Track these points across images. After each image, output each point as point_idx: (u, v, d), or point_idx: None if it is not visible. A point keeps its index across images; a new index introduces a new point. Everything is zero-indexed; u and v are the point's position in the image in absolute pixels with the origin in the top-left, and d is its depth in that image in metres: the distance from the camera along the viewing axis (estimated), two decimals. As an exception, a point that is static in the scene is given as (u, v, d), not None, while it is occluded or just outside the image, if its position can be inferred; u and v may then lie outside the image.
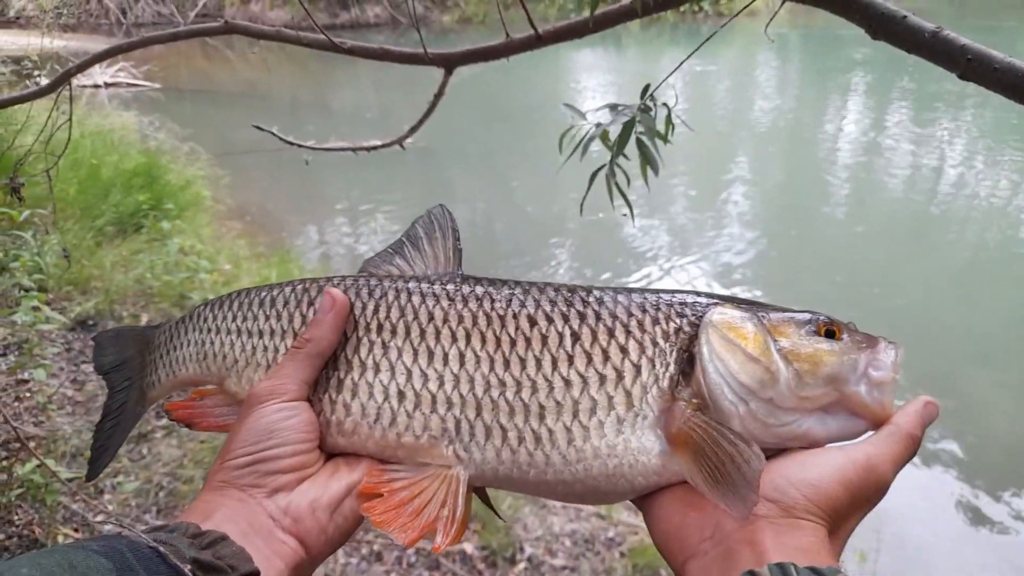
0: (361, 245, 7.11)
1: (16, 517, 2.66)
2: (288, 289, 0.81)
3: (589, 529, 2.86)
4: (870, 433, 0.67)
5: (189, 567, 0.55)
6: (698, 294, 0.75)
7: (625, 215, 1.48)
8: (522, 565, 2.65)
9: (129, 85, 12.59)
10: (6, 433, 2.95)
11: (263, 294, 0.82)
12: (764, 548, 0.58)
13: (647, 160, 1.41)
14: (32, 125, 5.54)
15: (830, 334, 0.69)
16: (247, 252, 5.50)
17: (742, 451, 0.61)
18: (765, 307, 0.72)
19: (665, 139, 1.42)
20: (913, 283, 6.48)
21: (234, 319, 0.82)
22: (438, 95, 1.63)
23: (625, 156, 1.45)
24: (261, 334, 0.79)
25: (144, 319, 4.29)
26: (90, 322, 4.23)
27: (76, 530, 2.68)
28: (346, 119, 11.35)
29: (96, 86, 11.90)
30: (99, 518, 2.70)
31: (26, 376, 3.29)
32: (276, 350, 0.78)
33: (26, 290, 3.57)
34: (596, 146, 1.51)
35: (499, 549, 2.68)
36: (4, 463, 2.82)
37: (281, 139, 1.94)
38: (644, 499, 0.69)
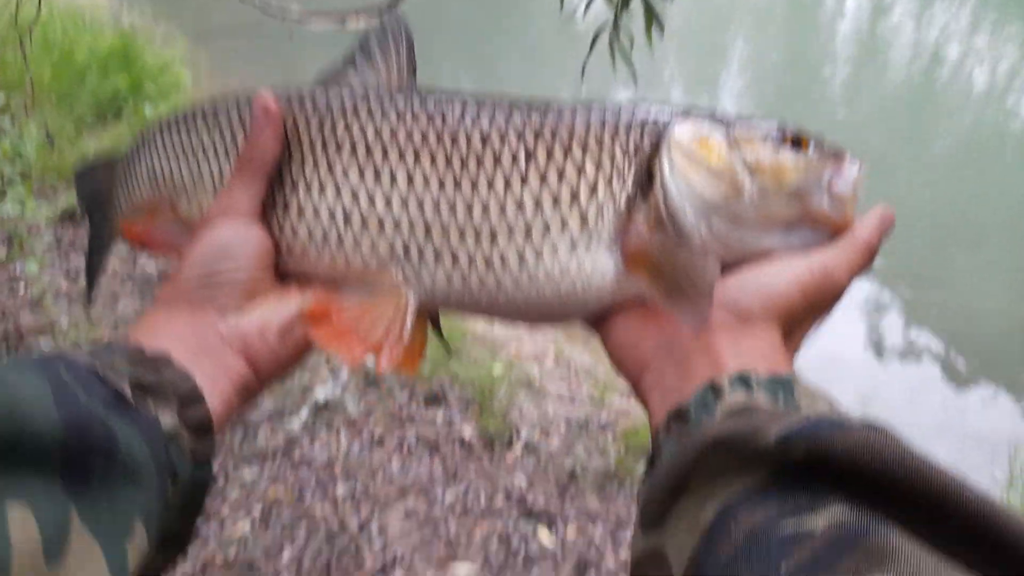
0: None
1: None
2: (231, 103, 0.76)
3: (584, 413, 2.95)
4: None
5: (127, 387, 0.53)
6: (658, 104, 0.70)
7: (633, 79, 1.44)
8: (519, 448, 2.75)
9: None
10: (5, 325, 2.97)
11: (205, 110, 0.77)
12: (719, 353, 0.58)
13: (651, 19, 1.35)
14: (-3, 4, 5.27)
15: (796, 144, 0.66)
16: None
17: (696, 262, 0.61)
18: (728, 117, 0.68)
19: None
20: (908, 167, 6.44)
21: (179, 138, 0.77)
22: None
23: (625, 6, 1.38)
24: (206, 153, 0.75)
25: (132, 210, 4.22)
26: (77, 215, 4.17)
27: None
28: (328, -5, 10.80)
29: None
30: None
31: (17, 271, 3.27)
32: (221, 171, 0.74)
33: (9, 181, 3.48)
34: (597, 7, 1.46)
35: (496, 434, 2.77)
36: (4, 355, 2.84)
37: (263, 10, 1.84)
38: (599, 319, 0.68)
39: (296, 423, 2.75)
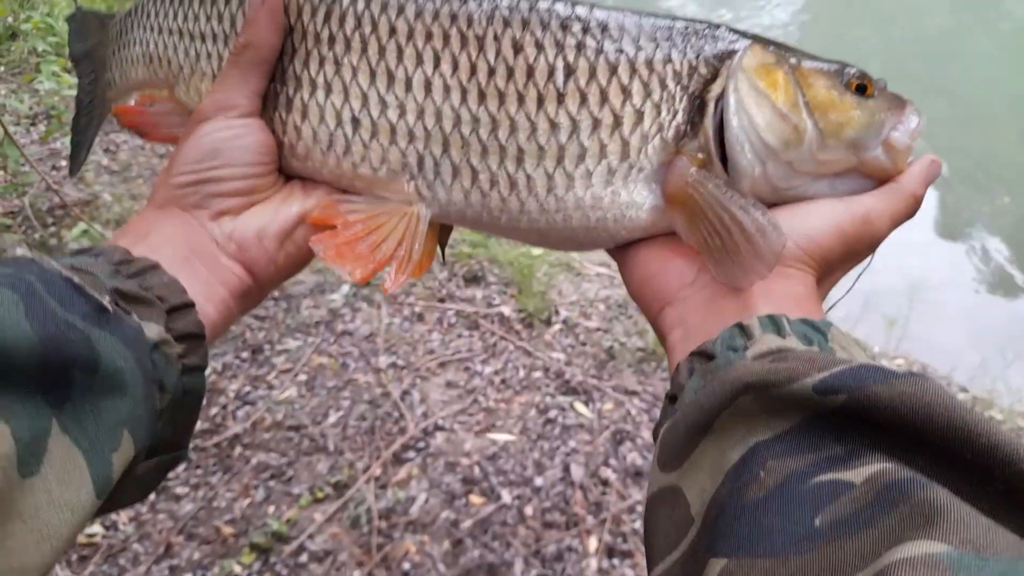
0: None
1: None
2: None
3: (623, 295, 2.94)
4: None
5: (108, 298, 0.49)
6: (721, 27, 0.63)
7: None
8: (557, 326, 2.77)
9: None
10: (50, 200, 3.01)
11: None
12: (750, 295, 0.55)
13: None
14: None
15: (861, 89, 0.61)
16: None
17: (757, 220, 0.55)
18: (793, 51, 0.63)
19: None
20: (968, 53, 6.12)
21: (175, 17, 0.72)
22: None
23: None
24: (203, 38, 0.70)
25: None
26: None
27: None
28: None
29: None
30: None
31: (58, 146, 3.28)
32: (221, 58, 0.69)
33: (42, 55, 3.45)
34: None
35: (535, 312, 2.78)
36: (52, 228, 2.90)
37: None
38: (621, 247, 0.65)
39: (338, 297, 2.79)
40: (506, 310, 2.79)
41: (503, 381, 2.52)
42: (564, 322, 2.79)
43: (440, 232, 0.68)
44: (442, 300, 2.82)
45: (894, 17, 6.66)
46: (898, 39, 6.34)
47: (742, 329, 0.52)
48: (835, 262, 0.59)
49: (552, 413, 2.41)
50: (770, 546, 0.37)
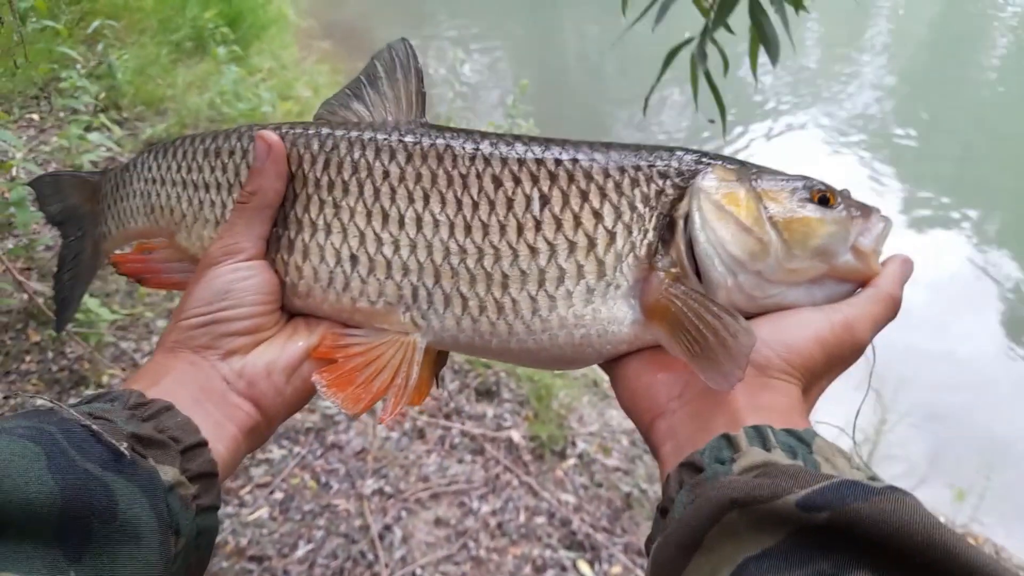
0: (464, 70, 6.68)
1: (69, 350, 2.64)
2: (234, 137, 0.75)
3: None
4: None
5: (126, 444, 0.52)
6: (683, 151, 0.69)
7: (712, 121, 1.07)
8: (572, 461, 2.47)
9: None
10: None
11: (207, 142, 0.76)
12: (737, 408, 0.57)
13: (762, 38, 0.96)
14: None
15: (823, 201, 0.65)
16: (328, 79, 5.18)
17: (728, 325, 0.58)
18: (755, 169, 0.68)
19: (800, 4, 0.95)
20: None
21: (179, 170, 0.76)
22: None
23: (728, 28, 1.00)
24: (207, 187, 0.74)
25: (215, 146, 4.12)
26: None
27: (124, 370, 2.65)
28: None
29: None
30: (112, 372, 2.66)
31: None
32: (224, 205, 0.73)
33: (75, 111, 3.40)
34: (683, 8, 1.05)
35: (549, 441, 2.49)
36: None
37: None
38: (611, 360, 0.67)
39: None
40: (516, 435, 2.51)
41: (500, 525, 2.22)
42: (580, 456, 2.48)
43: (437, 358, 0.70)
44: (448, 416, 2.56)
45: None
46: None
47: (729, 441, 0.53)
48: (819, 371, 0.61)
49: (550, 573, 2.10)
50: None
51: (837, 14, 8.17)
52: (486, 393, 2.66)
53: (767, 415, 0.56)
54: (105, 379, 2.53)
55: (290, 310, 0.71)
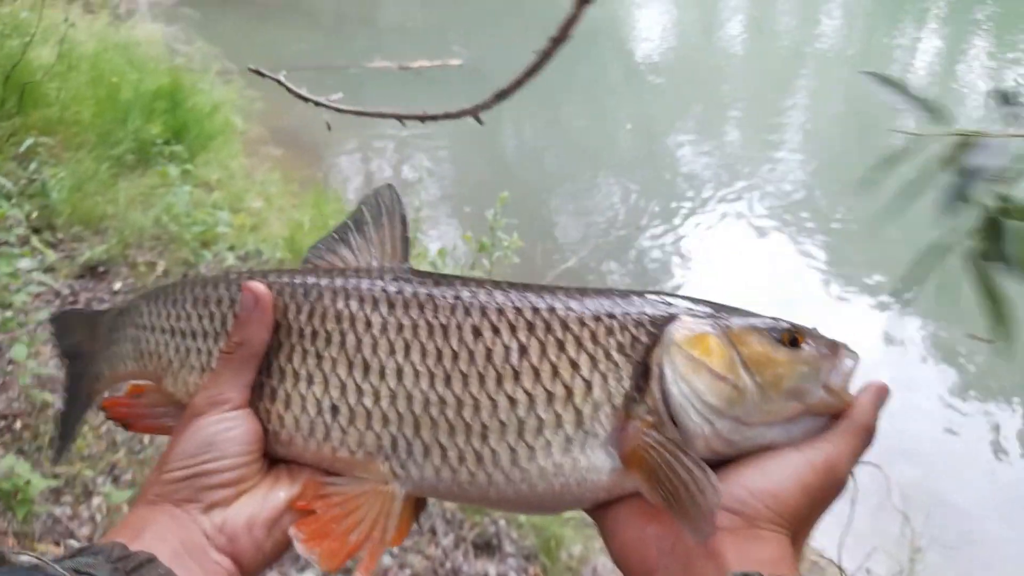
0: (408, 172, 6.61)
1: (-10, 524, 2.24)
2: (222, 286, 0.76)
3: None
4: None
5: None
6: (656, 296, 0.71)
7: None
8: (591, 624, 2.16)
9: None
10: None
11: (196, 291, 0.78)
12: (726, 562, 0.58)
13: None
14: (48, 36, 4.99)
15: (793, 342, 0.67)
16: (280, 188, 4.95)
17: (698, 480, 0.60)
18: (725, 311, 0.70)
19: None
20: None
21: (167, 317, 0.78)
22: (560, 36, 0.92)
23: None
24: (194, 335, 0.76)
25: (160, 266, 3.81)
26: (100, 268, 3.76)
27: (57, 543, 2.25)
28: (394, 33, 10.54)
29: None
30: (83, 530, 2.27)
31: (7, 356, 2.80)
32: (210, 352, 0.75)
33: (6, 243, 3.07)
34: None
35: (563, 602, 2.18)
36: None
37: (302, 96, 1.36)
38: (598, 509, 0.68)
39: (311, 569, 2.21)
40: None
41: None
42: (600, 619, 2.17)
43: (417, 501, 0.70)
44: (445, 579, 2.23)
45: None
46: None
47: None
48: (804, 516, 0.62)
49: None
50: None
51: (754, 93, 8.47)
52: (485, 546, 2.34)
53: (756, 567, 0.57)
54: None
55: (273, 457, 0.71)
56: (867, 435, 0.65)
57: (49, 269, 3.57)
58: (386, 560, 2.24)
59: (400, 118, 1.17)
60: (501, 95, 0.98)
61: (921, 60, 10.73)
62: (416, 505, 0.70)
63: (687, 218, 6.12)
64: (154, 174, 4.49)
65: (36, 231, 3.76)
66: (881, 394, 0.67)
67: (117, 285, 3.65)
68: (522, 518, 2.41)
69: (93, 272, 3.67)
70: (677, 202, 6.26)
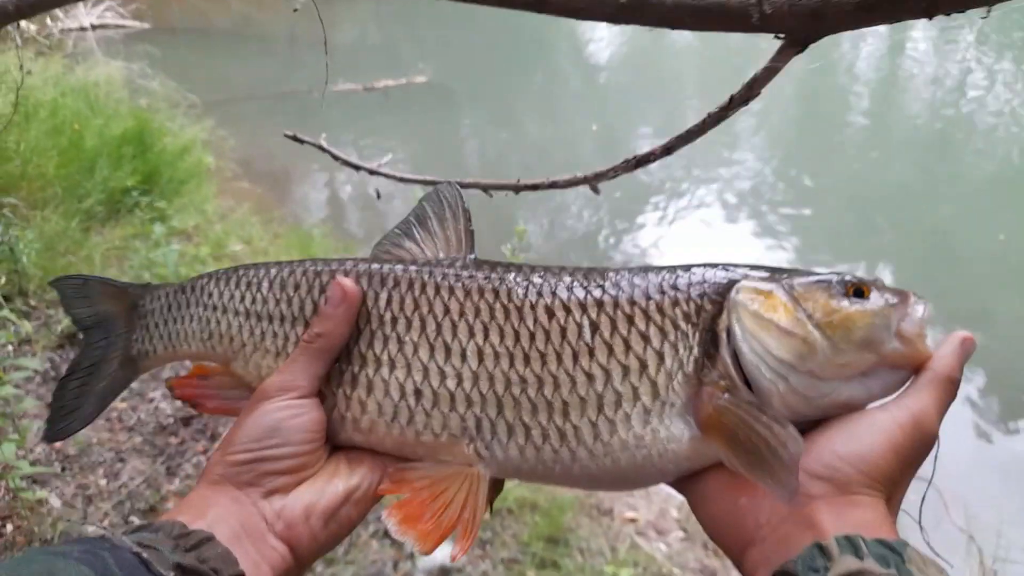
0: (384, 202, 6.45)
1: None
2: (300, 271, 0.77)
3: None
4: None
5: (172, 573, 0.54)
6: (715, 266, 0.71)
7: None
8: None
9: (117, 26, 11.43)
10: None
11: (272, 273, 0.77)
12: (824, 529, 0.57)
13: None
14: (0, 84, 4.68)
15: (859, 293, 0.66)
16: (260, 230, 4.71)
17: (777, 434, 0.60)
18: (787, 272, 0.70)
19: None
20: (937, 205, 6.05)
21: (242, 299, 0.78)
22: (749, 93, 0.94)
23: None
24: (271, 319, 0.76)
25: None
26: (80, 336, 3.51)
27: None
28: (348, 54, 10.30)
29: (83, 28, 10.73)
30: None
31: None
32: (286, 337, 0.75)
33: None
34: None
35: None
36: None
37: (340, 159, 1.20)
38: (686, 481, 0.68)
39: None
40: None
41: None
42: None
43: (492, 485, 0.71)
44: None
45: None
46: None
47: (821, 549, 0.54)
48: (897, 477, 0.61)
49: None
50: None
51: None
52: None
53: (855, 531, 0.55)
54: None
55: (343, 445, 0.72)
56: (952, 387, 0.64)
57: (25, 341, 3.32)
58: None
59: (486, 188, 1.03)
60: (656, 155, 0.94)
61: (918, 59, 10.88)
62: (492, 489, 0.70)
63: (651, 214, 6.14)
64: (127, 224, 4.24)
65: (7, 299, 3.49)
66: (966, 345, 0.65)
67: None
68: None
69: (73, 340, 3.41)
70: (641, 200, 6.25)
